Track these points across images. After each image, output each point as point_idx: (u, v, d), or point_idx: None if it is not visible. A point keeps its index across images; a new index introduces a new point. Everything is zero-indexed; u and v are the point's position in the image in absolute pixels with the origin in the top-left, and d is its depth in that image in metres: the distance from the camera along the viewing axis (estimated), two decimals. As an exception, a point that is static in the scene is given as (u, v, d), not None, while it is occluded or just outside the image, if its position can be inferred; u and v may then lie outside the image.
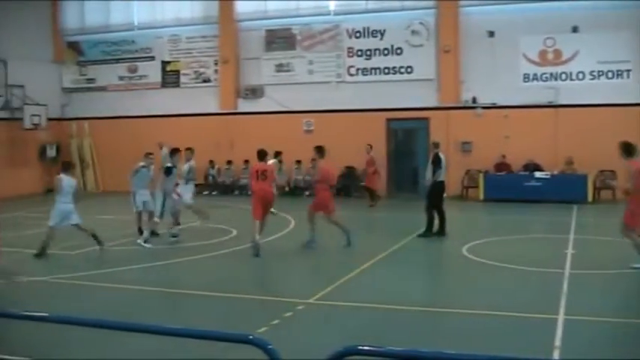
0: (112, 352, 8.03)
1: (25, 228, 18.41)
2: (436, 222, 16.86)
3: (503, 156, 25.05)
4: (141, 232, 16.64)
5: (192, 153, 18.54)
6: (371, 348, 4.04)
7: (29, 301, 10.98)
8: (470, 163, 25.55)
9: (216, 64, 29.49)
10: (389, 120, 26.85)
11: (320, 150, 15.91)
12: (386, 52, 27.03)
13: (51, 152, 30.32)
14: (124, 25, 31.13)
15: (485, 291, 11.53)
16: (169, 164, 16.71)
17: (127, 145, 28.41)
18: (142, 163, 17.10)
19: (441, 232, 16.78)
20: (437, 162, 16.72)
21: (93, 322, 5.20)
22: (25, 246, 15.48)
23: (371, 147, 24.30)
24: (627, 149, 12.83)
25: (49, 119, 30.02)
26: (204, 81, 29.84)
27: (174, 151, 17.07)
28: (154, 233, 16.46)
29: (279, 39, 28.50)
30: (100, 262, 14.39)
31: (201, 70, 29.85)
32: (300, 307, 10.16)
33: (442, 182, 16.85)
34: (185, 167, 17.96)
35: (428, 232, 16.77)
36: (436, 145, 17.25)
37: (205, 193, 28.35)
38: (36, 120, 29.15)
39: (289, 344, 7.53)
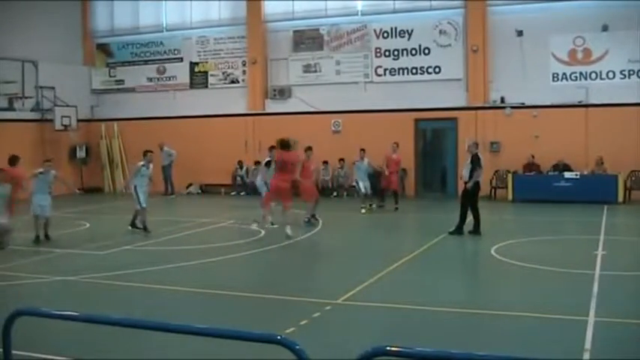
0: (139, 352, 8.09)
1: (62, 228, 18.58)
2: (470, 221, 16.86)
3: (533, 156, 24.86)
4: (134, 226, 17.91)
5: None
6: (400, 349, 4.03)
7: (63, 300, 11.11)
8: (498, 163, 25.40)
9: (244, 64, 29.59)
10: (417, 120, 26.78)
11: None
12: (414, 52, 26.96)
13: (81, 153, 30.62)
14: (152, 26, 31.38)
15: (514, 292, 11.46)
16: (269, 158, 18.77)
17: (155, 145, 28.56)
18: (141, 162, 18.08)
19: (476, 231, 16.76)
20: (476, 162, 16.74)
21: (123, 321, 5.24)
22: (67, 245, 15.69)
23: (397, 145, 23.20)
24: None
25: (79, 120, 30.31)
26: (233, 82, 29.95)
27: (272, 148, 18.59)
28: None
29: (307, 39, 28.53)
30: (130, 261, 14.49)
31: (230, 71, 29.97)
32: (328, 308, 10.15)
33: (479, 182, 16.89)
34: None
35: (459, 230, 16.76)
36: (476, 146, 17.26)
37: (233, 193, 28.49)
38: (66, 121, 29.43)
39: (317, 345, 7.54)
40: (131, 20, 31.82)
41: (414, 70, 26.98)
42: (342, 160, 26.58)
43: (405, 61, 27.11)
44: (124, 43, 32.10)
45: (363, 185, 22.20)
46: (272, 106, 29.10)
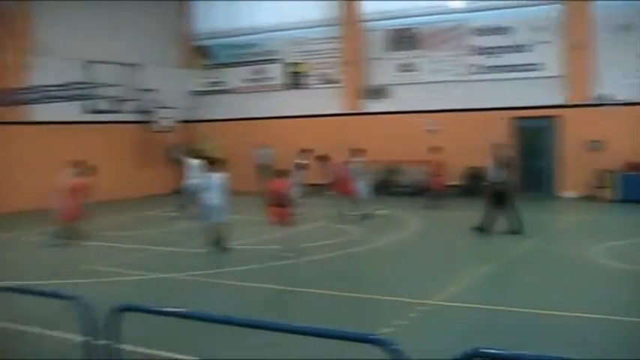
0: (238, 349, 8.25)
1: (161, 226, 19.09)
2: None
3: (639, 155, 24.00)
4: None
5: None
6: (495, 351, 4.00)
7: (165, 297, 11.43)
8: (599, 162, 24.64)
9: (339, 65, 29.69)
10: (514, 119, 26.29)
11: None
12: (511, 49, 26.46)
13: (179, 154, 31.25)
14: (249, 28, 31.84)
15: (610, 294, 11.11)
16: None
17: (253, 145, 29.03)
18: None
19: (514, 231, 16.79)
20: (507, 163, 16.91)
21: (222, 318, 5.37)
22: (168, 243, 16.14)
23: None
24: None
25: (178, 122, 31.04)
26: (328, 82, 30.09)
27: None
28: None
29: (403, 38, 28.40)
30: (228, 260, 14.76)
31: (325, 71, 30.12)
32: (422, 308, 10.12)
33: (510, 183, 17.07)
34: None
35: (485, 229, 16.84)
36: (505, 147, 17.29)
37: (329, 193, 28.56)
38: (166, 122, 30.19)
39: (414, 345, 7.53)
40: (229, 22, 32.36)
41: (511, 68, 26.48)
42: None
43: (501, 59, 26.61)
44: (222, 45, 32.68)
45: None
46: (368, 106, 29.11)
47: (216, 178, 15.84)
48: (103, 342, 5.28)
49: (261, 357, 8.07)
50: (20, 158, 25.51)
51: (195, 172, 21.22)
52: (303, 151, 22.53)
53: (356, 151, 21.71)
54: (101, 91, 23.63)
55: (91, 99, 24.18)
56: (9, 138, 25.31)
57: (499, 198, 16.76)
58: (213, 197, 15.65)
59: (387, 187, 27.31)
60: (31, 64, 25.62)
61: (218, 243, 15.78)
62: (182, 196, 22.07)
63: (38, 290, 6.55)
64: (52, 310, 8.99)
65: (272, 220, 15.51)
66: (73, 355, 7.85)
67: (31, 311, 9.90)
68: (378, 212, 20.71)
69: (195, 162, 21.41)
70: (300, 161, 21.17)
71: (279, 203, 15.20)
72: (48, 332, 9.39)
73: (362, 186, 20.80)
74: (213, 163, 16.64)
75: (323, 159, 21.17)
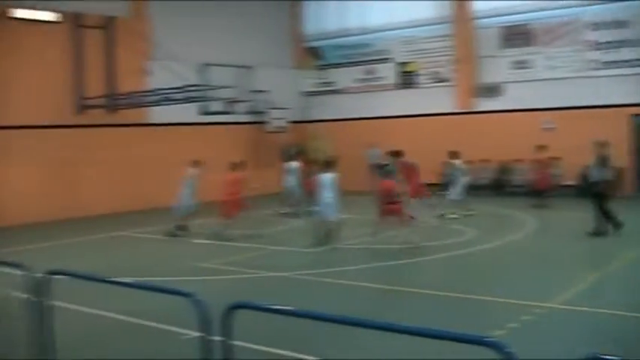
0: (345, 348, 8.28)
1: (272, 225, 19.36)
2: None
3: None
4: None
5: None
6: (615, 358, 3.85)
7: (276, 295, 11.59)
8: None
9: (451, 63, 29.36)
10: (633, 116, 25.29)
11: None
12: (628, 43, 25.44)
13: (292, 154, 31.63)
14: (360, 28, 31.90)
15: None
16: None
17: (364, 145, 29.08)
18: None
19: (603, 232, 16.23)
20: (605, 162, 16.38)
21: (331, 317, 5.38)
22: (278, 242, 16.39)
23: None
24: None
25: (291, 122, 31.41)
26: (440, 81, 29.81)
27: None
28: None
29: (517, 35, 27.80)
30: (338, 259, 14.84)
31: (437, 69, 29.85)
32: (538, 311, 9.89)
33: (608, 182, 16.58)
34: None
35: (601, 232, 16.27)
36: (604, 145, 16.72)
37: (442, 193, 28.27)
38: (278, 123, 30.62)
39: (524, 348, 7.37)
40: (339, 23, 32.54)
41: (628, 63, 25.46)
42: (555, 158, 25.46)
43: (618, 54, 25.63)
44: (333, 45, 32.87)
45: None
46: (481, 105, 28.66)
47: (328, 177, 16.20)
48: (218, 338, 5.39)
49: (371, 357, 8.08)
50: (140, 158, 26.44)
51: (293, 173, 21.67)
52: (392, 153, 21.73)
53: (453, 153, 21.91)
54: (216, 93, 24.19)
55: (206, 101, 24.78)
56: (130, 139, 26.25)
57: (599, 198, 16.25)
58: (326, 196, 15.98)
59: (501, 186, 26.86)
60: (150, 68, 26.50)
61: (328, 240, 16.03)
62: (288, 196, 22.39)
63: (158, 287, 6.73)
64: (167, 306, 9.25)
65: (383, 220, 15.61)
66: (188, 351, 8.07)
67: (148, 306, 10.23)
68: (465, 214, 20.68)
69: (294, 164, 22.41)
70: (383, 162, 20.83)
71: (391, 202, 15.34)
72: (164, 327, 9.69)
73: (455, 187, 21.08)
74: (327, 164, 17.01)
75: (396, 154, 20.59)
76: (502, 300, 10.76)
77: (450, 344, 4.37)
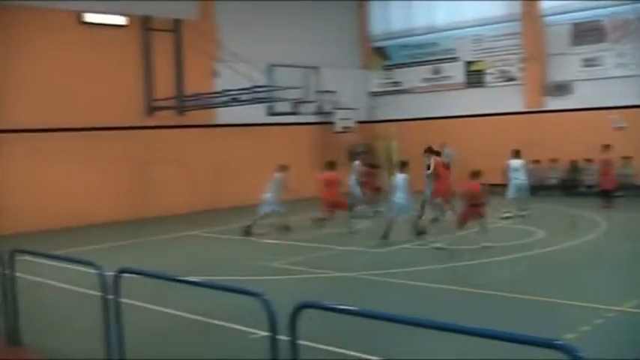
0: (412, 349, 8.24)
1: (341, 225, 19.38)
2: None
3: None
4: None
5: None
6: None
7: (342, 295, 11.60)
8: None
9: (520, 61, 28.93)
10: None
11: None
12: None
13: (359, 154, 31.64)
14: (426, 28, 31.69)
15: None
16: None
17: (432, 145, 28.83)
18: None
19: None
20: None
21: (399, 318, 5.35)
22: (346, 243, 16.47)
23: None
24: None
25: (358, 122, 31.38)
26: (509, 79, 29.40)
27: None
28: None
29: (587, 32, 27.21)
30: (407, 260, 14.78)
31: (505, 68, 29.45)
32: (610, 315, 9.66)
33: None
34: None
35: None
36: None
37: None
38: (345, 123, 30.63)
39: (598, 352, 7.22)
40: (405, 22, 32.40)
41: None
42: (626, 157, 24.91)
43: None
44: (400, 45, 32.74)
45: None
46: (551, 103, 28.16)
47: (401, 178, 17.01)
48: (285, 338, 5.41)
49: (436, 358, 8.01)
50: (209, 159, 26.81)
51: (353, 173, 21.77)
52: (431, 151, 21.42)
53: (516, 152, 21.76)
54: (283, 94, 24.34)
55: (272, 101, 24.95)
56: (198, 140, 26.63)
57: None
58: (398, 196, 16.80)
59: (572, 186, 26.36)
60: (217, 69, 26.81)
61: (399, 239, 16.61)
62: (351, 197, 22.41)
63: (226, 286, 6.79)
64: (235, 305, 9.34)
65: (463, 221, 15.59)
66: (256, 350, 8.13)
67: (216, 305, 10.36)
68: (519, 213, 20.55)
69: (355, 163, 22.68)
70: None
71: (474, 204, 15.33)
72: (232, 326, 9.78)
73: (512, 186, 21.01)
74: (401, 165, 17.96)
75: (430, 151, 20.33)
76: (573, 303, 10.55)
77: (519, 347, 4.30)
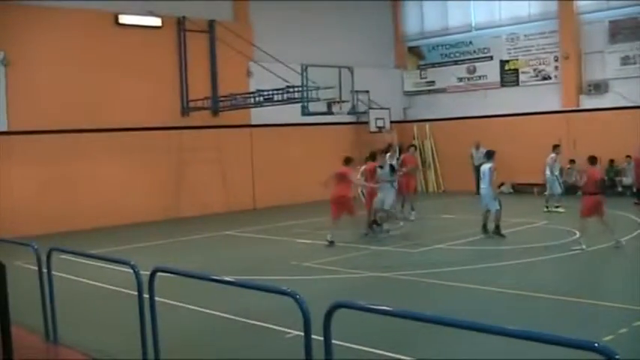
0: (446, 349, 8.20)
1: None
2: None
3: None
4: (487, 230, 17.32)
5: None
6: None
7: (376, 294, 11.57)
8: None
9: (556, 60, 28.65)
10: None
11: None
12: None
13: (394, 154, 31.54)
14: (461, 27, 31.55)
15: None
16: None
17: (467, 145, 28.73)
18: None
19: None
20: None
21: (434, 318, 5.33)
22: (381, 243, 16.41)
23: None
24: None
25: (392, 122, 31.30)
26: (544, 78, 29.13)
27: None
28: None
29: (625, 30, 26.85)
30: (442, 260, 14.71)
31: (541, 67, 29.18)
32: (649, 316, 9.54)
33: None
34: None
35: None
36: None
37: (546, 193, 27.66)
38: (380, 123, 30.56)
39: (635, 355, 7.13)
40: (440, 22, 32.28)
41: None
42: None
43: None
44: (434, 44, 32.61)
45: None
46: (587, 102, 27.83)
47: (486, 167, 17.07)
48: (319, 337, 5.41)
49: (470, 359, 7.97)
50: (245, 159, 26.96)
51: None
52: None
53: (555, 147, 22.36)
54: (317, 94, 24.33)
55: (307, 101, 24.96)
56: (233, 140, 26.76)
57: None
58: (482, 187, 17.17)
59: (609, 186, 26.02)
60: (251, 70, 26.92)
61: (488, 230, 17.10)
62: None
63: (261, 285, 6.81)
64: (269, 304, 9.37)
65: (586, 214, 15.30)
66: (291, 349, 8.15)
67: (250, 304, 10.40)
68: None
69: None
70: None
71: (593, 192, 15.06)
72: (267, 325, 9.81)
73: (551, 180, 21.74)
74: (488, 154, 17.73)
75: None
76: (612, 304, 10.42)
77: (555, 347, 4.26)
